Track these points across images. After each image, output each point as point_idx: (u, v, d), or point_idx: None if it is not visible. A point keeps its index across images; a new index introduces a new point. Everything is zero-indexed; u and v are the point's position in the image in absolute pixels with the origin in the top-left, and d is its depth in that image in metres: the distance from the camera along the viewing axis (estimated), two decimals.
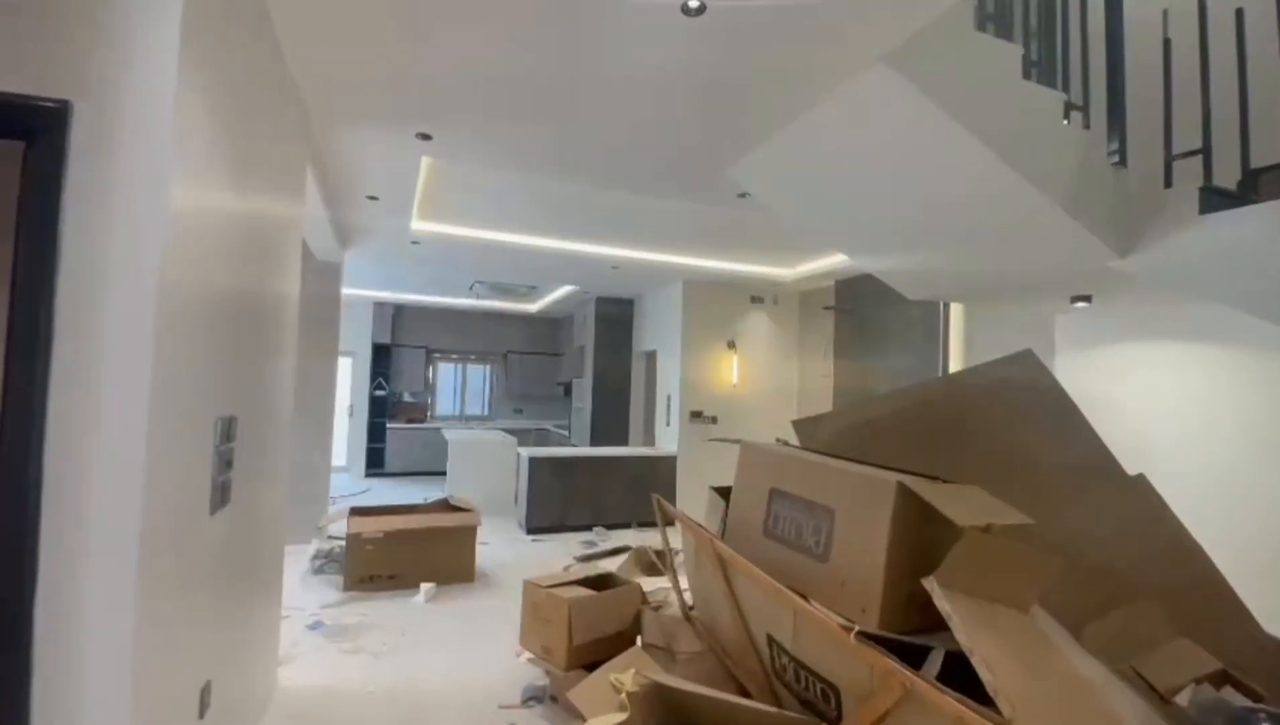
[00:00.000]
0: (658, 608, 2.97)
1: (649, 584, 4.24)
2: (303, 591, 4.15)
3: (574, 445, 8.52)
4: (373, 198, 4.21)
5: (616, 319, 8.08)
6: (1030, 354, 2.83)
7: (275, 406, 2.51)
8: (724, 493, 2.71)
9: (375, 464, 9.51)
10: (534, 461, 6.04)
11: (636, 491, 6.41)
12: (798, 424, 2.94)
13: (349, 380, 9.66)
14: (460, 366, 10.72)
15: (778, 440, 3.10)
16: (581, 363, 8.48)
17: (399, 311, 9.87)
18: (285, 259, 2.66)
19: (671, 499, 6.57)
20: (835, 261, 5.82)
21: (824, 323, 6.66)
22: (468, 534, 4.42)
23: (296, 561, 4.58)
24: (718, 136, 3.00)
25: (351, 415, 9.52)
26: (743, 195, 3.76)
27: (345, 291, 8.89)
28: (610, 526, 6.24)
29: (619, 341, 8.09)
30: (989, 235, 2.97)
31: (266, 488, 2.47)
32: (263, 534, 2.46)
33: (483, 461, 7.39)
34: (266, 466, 2.45)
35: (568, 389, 10.04)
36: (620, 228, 5.17)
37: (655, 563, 4.65)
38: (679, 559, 4.07)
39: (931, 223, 3.09)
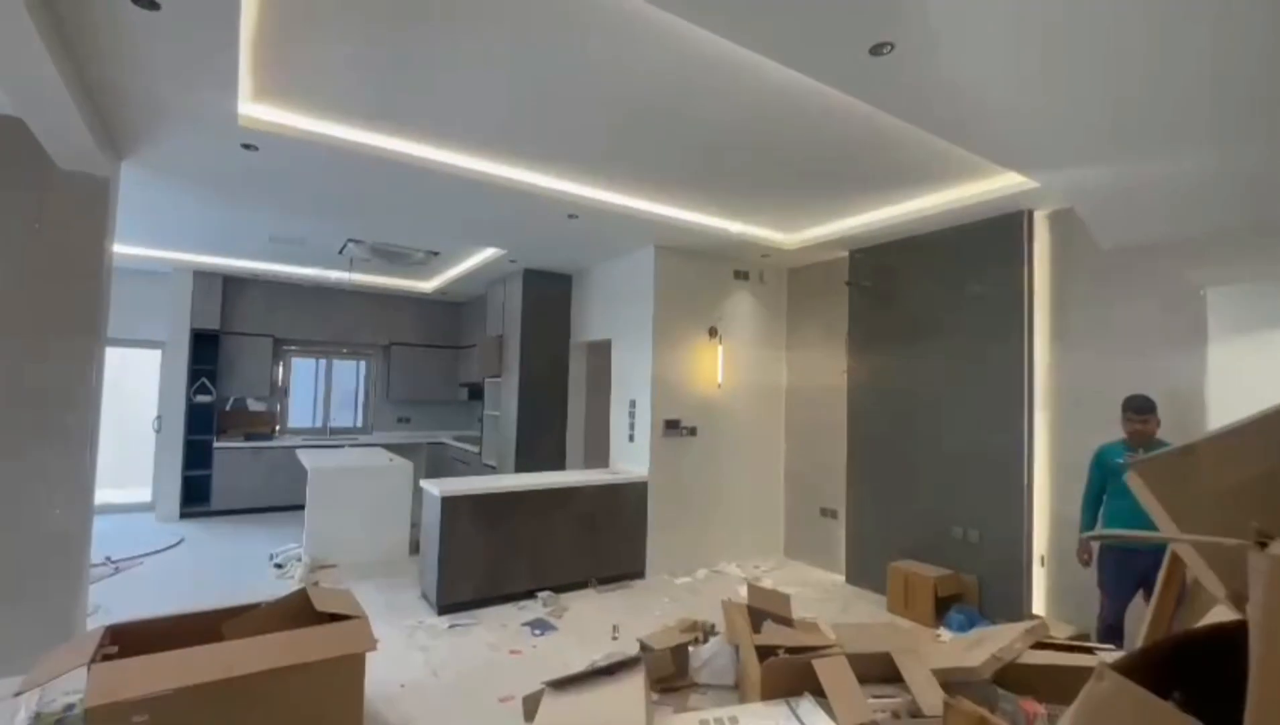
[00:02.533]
0: None
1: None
2: None
3: (491, 468, 6.47)
4: (150, 5, 2.07)
5: (550, 300, 6.17)
6: None
7: None
8: (1132, 670, 1.03)
9: (196, 499, 6.78)
10: (449, 503, 4.01)
11: (594, 535, 4.59)
12: (1148, 469, 1.34)
13: (155, 381, 6.88)
14: (324, 362, 8.17)
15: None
16: (499, 357, 6.45)
17: (232, 285, 7.17)
18: None
19: (641, 542, 4.81)
20: (858, 222, 4.40)
21: (825, 306, 5.25)
22: (349, 669, 2.37)
23: None
24: None
25: (159, 430, 6.74)
26: (882, 47, 2.12)
27: (147, 251, 6.17)
28: (560, 588, 4.36)
29: (552, 330, 6.18)
30: None
31: None
32: None
33: (361, 497, 5.18)
34: None
35: (475, 391, 7.91)
36: (588, 152, 3.37)
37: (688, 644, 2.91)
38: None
39: None
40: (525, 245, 5.17)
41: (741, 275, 5.39)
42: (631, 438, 5.04)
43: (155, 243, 5.89)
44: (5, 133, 3.05)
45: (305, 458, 5.70)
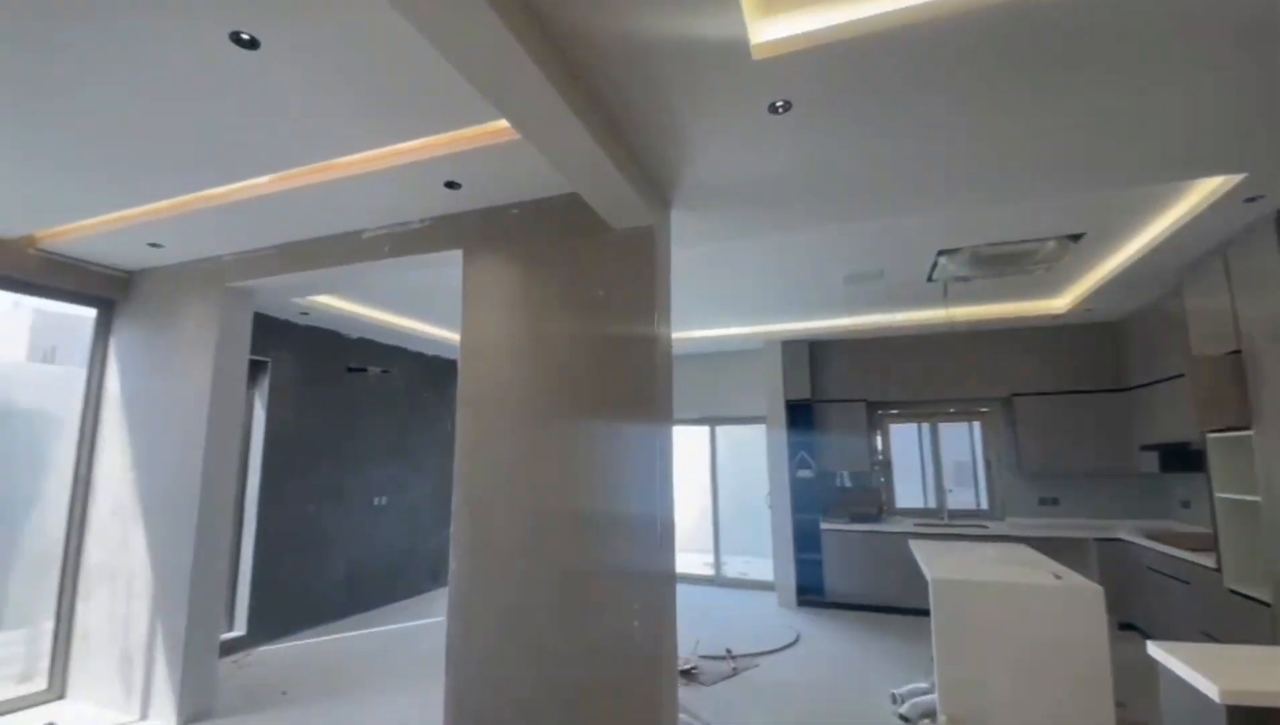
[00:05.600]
0: None
1: None
2: None
3: (1254, 602, 3.40)
4: None
5: None
6: None
7: None
8: None
9: (810, 586, 6.22)
10: None
11: None
12: None
13: (763, 457, 6.87)
14: (926, 427, 6.71)
15: None
16: (1239, 392, 3.46)
17: (817, 350, 6.69)
18: None
19: None
20: None
21: None
22: None
23: None
24: None
25: (771, 507, 6.61)
26: None
27: (741, 330, 6.28)
28: None
29: None
30: None
31: None
32: None
33: (1014, 632, 3.26)
34: None
35: (1174, 457, 4.84)
36: None
37: None
38: None
39: None
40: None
41: None
42: None
43: (745, 318, 5.88)
44: (564, 210, 2.96)
45: (921, 556, 4.21)
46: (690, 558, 7.97)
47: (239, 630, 4.83)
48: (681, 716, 3.57)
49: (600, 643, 2.60)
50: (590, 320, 2.86)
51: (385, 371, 6.42)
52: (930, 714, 3.39)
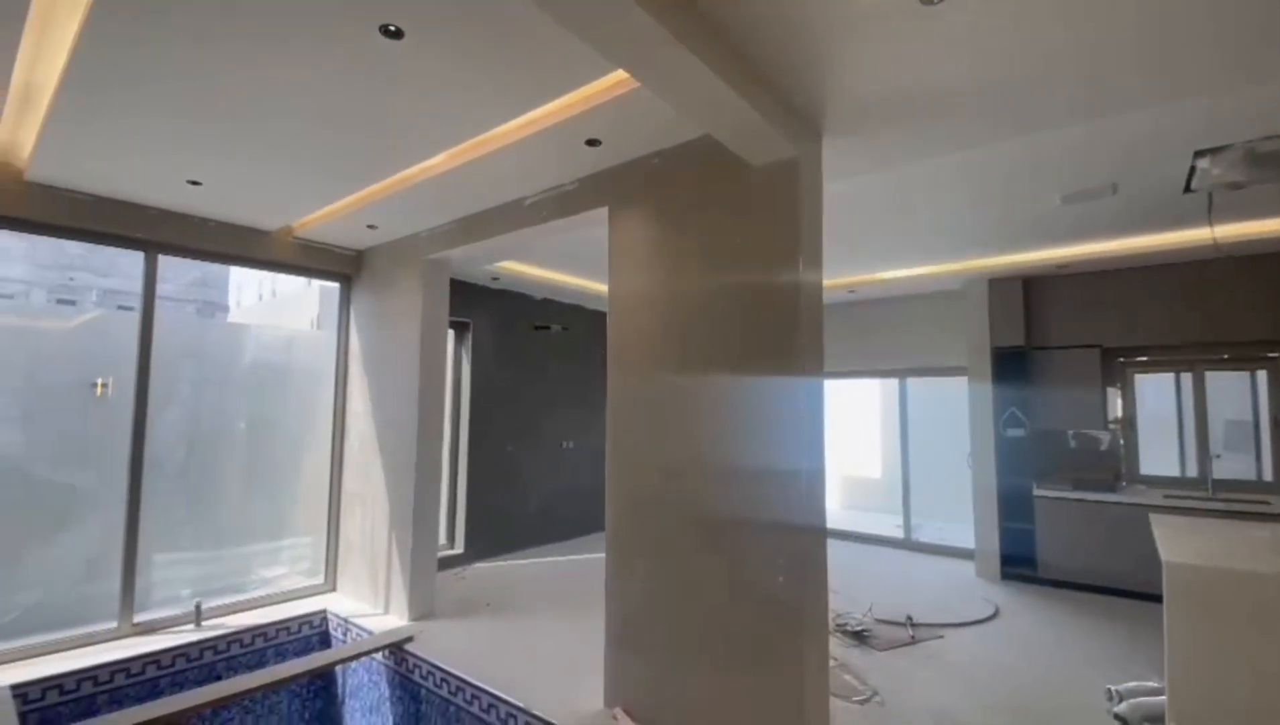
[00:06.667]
0: None
1: None
2: None
3: None
4: None
5: None
6: None
7: None
8: None
9: (1018, 558, 5.49)
10: None
11: None
12: None
13: (964, 412, 6.14)
14: (1186, 378, 5.40)
15: None
16: None
17: (1034, 287, 5.68)
18: None
19: None
20: None
21: None
22: None
23: None
24: None
25: (972, 468, 5.91)
26: None
27: (932, 268, 5.55)
28: None
29: None
30: None
31: None
32: None
33: (1269, 640, 2.56)
34: None
35: None
36: None
37: None
38: None
39: None
40: None
41: None
42: None
43: (940, 255, 5.19)
44: (702, 152, 2.84)
45: (1161, 533, 3.44)
46: (878, 518, 7.53)
47: (458, 549, 5.74)
48: (845, 678, 3.44)
49: (744, 593, 2.59)
50: (730, 268, 2.75)
51: (565, 328, 6.94)
52: (1155, 719, 2.82)
